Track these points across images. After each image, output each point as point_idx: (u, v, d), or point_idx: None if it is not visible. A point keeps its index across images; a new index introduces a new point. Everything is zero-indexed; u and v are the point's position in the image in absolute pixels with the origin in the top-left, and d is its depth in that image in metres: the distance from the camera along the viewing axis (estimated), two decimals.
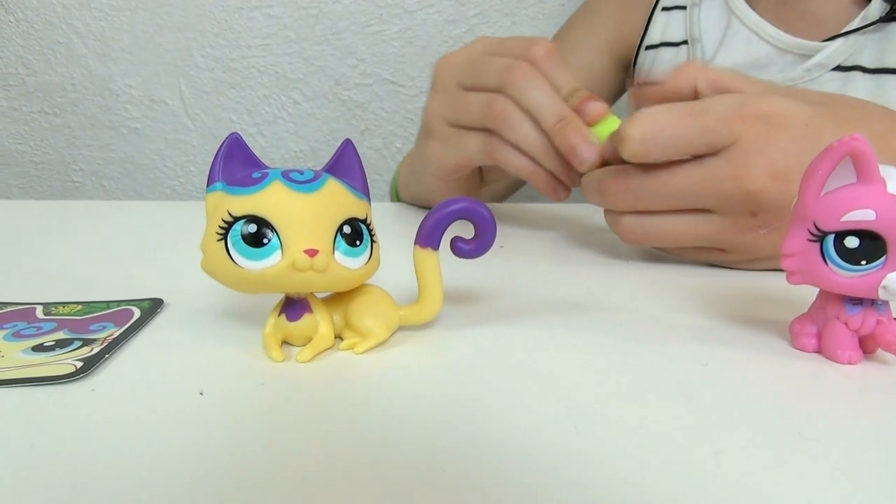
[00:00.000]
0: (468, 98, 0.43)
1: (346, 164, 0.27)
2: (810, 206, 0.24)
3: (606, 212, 0.40)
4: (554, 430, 0.21)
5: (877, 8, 0.60)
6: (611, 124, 0.40)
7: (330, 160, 0.27)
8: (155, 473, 0.18)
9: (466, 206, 0.27)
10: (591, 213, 0.54)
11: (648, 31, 0.74)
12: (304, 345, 0.26)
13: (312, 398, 0.23)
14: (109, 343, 0.25)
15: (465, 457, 0.19)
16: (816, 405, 0.23)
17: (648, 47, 0.74)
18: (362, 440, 0.20)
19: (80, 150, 1.06)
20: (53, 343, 0.25)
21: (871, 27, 0.59)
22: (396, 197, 0.64)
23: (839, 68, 0.61)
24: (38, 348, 0.25)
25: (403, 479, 0.18)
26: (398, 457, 0.19)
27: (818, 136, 0.35)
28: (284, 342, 0.26)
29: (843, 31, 0.60)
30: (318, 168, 0.26)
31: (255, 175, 0.25)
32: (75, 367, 0.23)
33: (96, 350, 0.25)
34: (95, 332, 0.26)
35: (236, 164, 0.26)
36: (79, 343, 0.25)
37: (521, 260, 0.41)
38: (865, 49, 0.60)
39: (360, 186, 0.27)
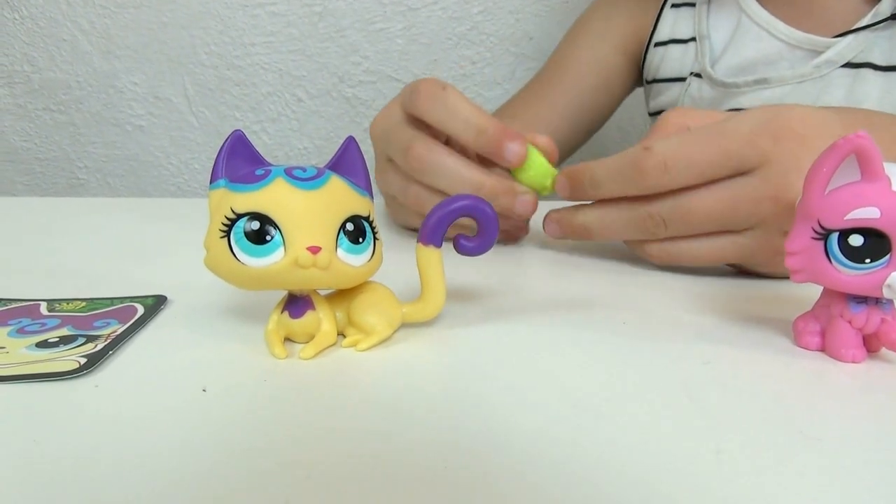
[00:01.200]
0: (387, 176, 0.43)
1: (349, 162, 0.27)
2: (814, 204, 0.24)
3: (629, 241, 0.38)
4: (556, 427, 0.21)
5: (888, 5, 0.60)
6: (535, 161, 0.39)
7: (333, 157, 0.27)
8: (158, 469, 0.18)
9: (469, 204, 0.27)
10: None
11: (658, 28, 0.74)
12: (307, 342, 0.26)
13: (315, 395, 0.23)
14: (113, 340, 0.25)
15: (468, 454, 0.19)
16: (819, 404, 0.23)
17: (657, 44, 0.73)
18: (365, 437, 0.20)
19: (84, 148, 1.06)
20: (58, 339, 0.26)
21: (882, 24, 0.59)
22: None
23: (849, 65, 0.60)
24: (43, 345, 0.25)
25: (406, 475, 0.18)
26: (401, 453, 0.19)
27: None
28: (287, 339, 0.26)
29: (853, 28, 0.60)
30: (322, 165, 0.26)
31: (258, 172, 0.25)
32: (79, 363, 0.23)
33: (100, 347, 0.25)
34: (99, 329, 0.27)
35: (239, 161, 0.26)
36: (83, 339, 0.25)
37: (526, 257, 0.41)
38: (876, 46, 0.60)
39: (363, 184, 0.27)
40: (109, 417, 0.21)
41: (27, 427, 0.20)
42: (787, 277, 0.37)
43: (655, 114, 0.76)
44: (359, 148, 0.27)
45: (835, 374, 0.25)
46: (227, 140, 0.26)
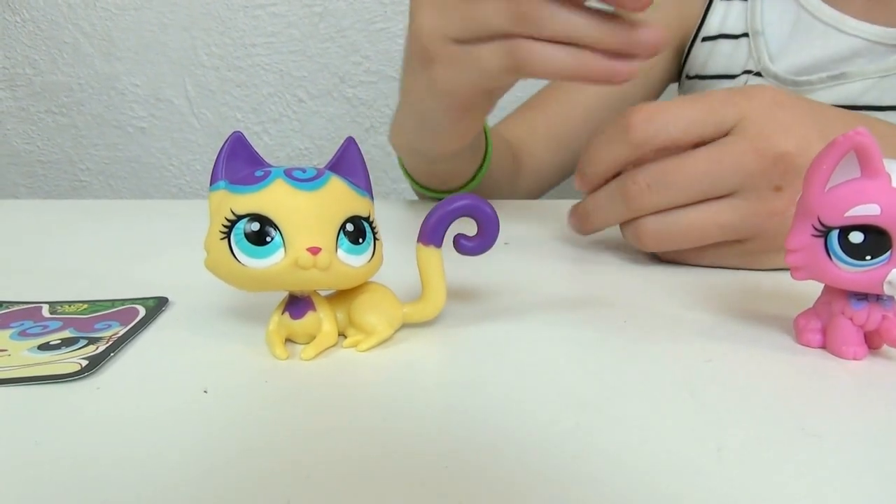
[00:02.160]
0: (480, 4, 0.34)
1: (349, 162, 0.27)
2: (814, 201, 0.24)
3: (624, 226, 0.38)
4: (557, 426, 0.21)
5: None
6: None
7: (333, 158, 0.27)
8: (159, 471, 0.18)
9: (469, 204, 0.27)
10: None
11: (707, 21, 0.69)
12: (308, 342, 0.26)
13: (316, 396, 0.23)
14: (114, 342, 0.25)
15: (469, 453, 0.19)
16: (820, 401, 0.23)
17: (705, 38, 0.69)
18: (366, 437, 0.20)
19: (86, 150, 1.07)
20: (59, 342, 0.26)
21: None
22: (408, 175, 0.58)
23: None
24: (44, 347, 0.25)
25: (407, 475, 0.18)
26: (402, 454, 0.19)
27: (823, 115, 0.35)
28: (288, 340, 0.26)
29: None
30: (322, 166, 0.26)
31: (258, 173, 0.25)
32: (80, 365, 0.23)
33: (101, 349, 0.25)
34: (101, 331, 0.27)
35: (239, 162, 0.26)
36: (84, 342, 0.26)
37: (526, 257, 0.41)
38: None
39: (363, 184, 0.27)
40: (110, 419, 0.21)
41: (29, 429, 0.20)
42: (787, 269, 0.37)
43: (698, 76, 0.72)
44: (358, 148, 0.27)
45: (836, 372, 0.25)
46: (226, 142, 0.26)
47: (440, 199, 0.27)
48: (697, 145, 0.34)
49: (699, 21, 0.70)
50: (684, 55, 0.72)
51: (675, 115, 0.34)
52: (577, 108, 0.67)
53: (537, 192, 0.70)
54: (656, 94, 0.74)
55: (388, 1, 0.97)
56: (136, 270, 0.37)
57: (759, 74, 0.65)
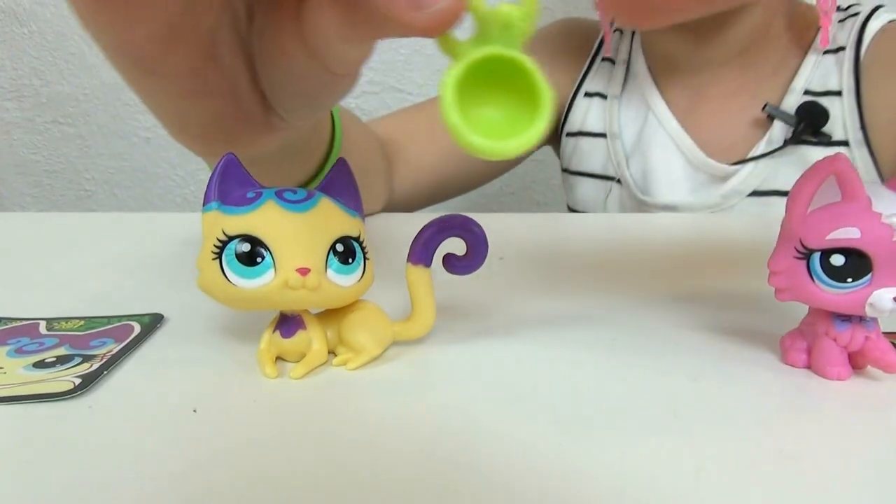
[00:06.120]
0: None
1: (340, 183, 0.27)
2: (796, 225, 0.24)
3: None
4: (542, 444, 0.21)
5: (779, 131, 0.59)
6: None
7: (325, 178, 0.27)
8: (149, 490, 0.18)
9: (458, 224, 0.27)
10: (592, 223, 0.55)
11: (570, 117, 0.71)
12: (299, 361, 0.26)
13: (304, 415, 0.23)
14: (108, 359, 0.26)
15: (456, 472, 0.20)
16: (801, 423, 0.23)
17: (569, 134, 0.71)
18: (355, 455, 0.20)
19: (92, 160, 1.08)
20: (54, 359, 0.26)
21: (780, 151, 0.58)
22: None
23: (756, 193, 0.60)
24: (40, 364, 0.26)
25: (396, 494, 0.18)
26: (391, 472, 0.19)
27: None
28: (279, 358, 0.27)
29: (749, 157, 0.59)
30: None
31: (250, 195, 0.25)
32: (74, 384, 0.24)
33: (95, 366, 0.25)
34: (95, 349, 0.27)
35: (232, 183, 0.26)
36: (79, 359, 0.26)
37: (520, 272, 0.41)
38: (780, 173, 0.59)
39: (354, 204, 0.27)
40: (101, 438, 0.21)
41: (21, 448, 0.21)
42: None
43: (567, 171, 0.73)
44: (350, 169, 0.28)
45: (820, 392, 0.25)
46: (219, 163, 0.26)
47: None
48: None
49: (564, 112, 0.71)
50: (562, 115, 0.72)
51: None
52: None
53: (417, 199, 0.65)
54: (535, 148, 0.75)
55: None
56: (134, 285, 0.37)
57: (619, 182, 0.67)
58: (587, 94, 0.69)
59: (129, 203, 1.10)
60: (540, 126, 0.18)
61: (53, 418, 0.22)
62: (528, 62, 0.18)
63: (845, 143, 0.58)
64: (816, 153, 0.57)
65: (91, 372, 0.25)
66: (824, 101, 0.58)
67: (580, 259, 0.44)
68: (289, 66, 0.22)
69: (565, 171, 0.73)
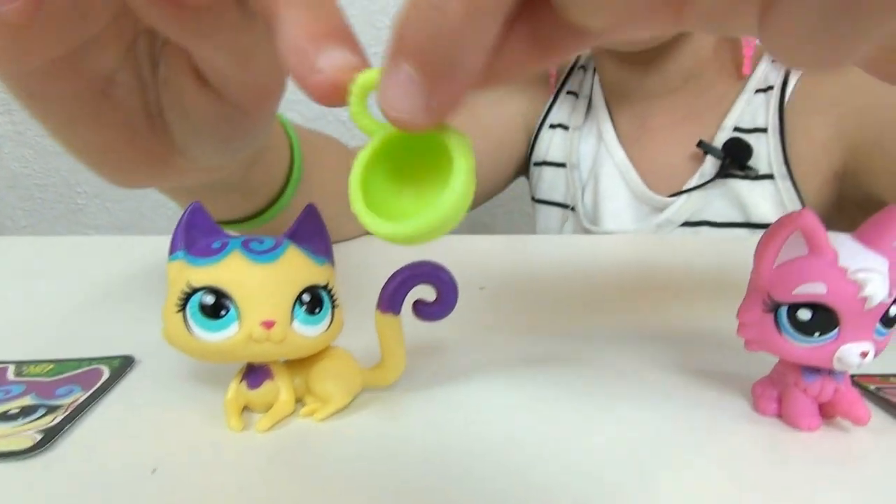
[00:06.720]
0: None
1: (308, 230, 0.27)
2: (764, 278, 0.24)
3: None
4: (506, 493, 0.21)
5: (711, 166, 0.63)
6: None
7: (293, 225, 0.27)
8: None
9: (427, 272, 0.27)
10: (579, 251, 0.54)
11: (536, 147, 0.75)
12: (266, 411, 0.26)
13: (268, 470, 0.23)
14: (72, 411, 0.26)
15: None
16: (768, 474, 0.23)
17: (535, 164, 0.75)
18: None
19: (83, 173, 1.07)
20: (18, 410, 0.26)
21: (711, 183, 0.62)
22: None
23: (687, 223, 0.64)
24: (3, 417, 0.25)
25: None
26: None
27: None
28: (247, 408, 0.27)
29: (683, 189, 0.63)
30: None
31: (216, 245, 0.25)
32: (34, 440, 0.23)
33: (59, 419, 0.25)
34: (61, 398, 0.27)
35: (198, 231, 0.26)
36: (43, 410, 0.26)
37: (499, 304, 0.41)
38: (709, 205, 0.63)
39: (323, 251, 0.27)
40: (58, 499, 0.21)
41: None
42: None
43: (534, 199, 0.77)
44: (319, 215, 0.28)
45: (789, 443, 0.25)
46: (185, 211, 0.26)
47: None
48: None
49: (531, 143, 0.75)
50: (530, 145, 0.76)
51: None
52: None
53: None
54: (513, 176, 0.78)
55: (382, 25, 0.98)
56: (107, 323, 0.37)
57: (573, 210, 0.71)
58: (551, 126, 0.74)
59: (121, 217, 1.10)
60: (443, 204, 0.16)
61: (10, 477, 0.22)
62: (443, 135, 0.17)
63: (770, 177, 0.61)
64: (743, 186, 0.62)
65: (53, 426, 0.24)
66: (751, 138, 0.62)
67: (565, 288, 0.44)
68: (192, 112, 0.25)
69: (533, 199, 0.77)
